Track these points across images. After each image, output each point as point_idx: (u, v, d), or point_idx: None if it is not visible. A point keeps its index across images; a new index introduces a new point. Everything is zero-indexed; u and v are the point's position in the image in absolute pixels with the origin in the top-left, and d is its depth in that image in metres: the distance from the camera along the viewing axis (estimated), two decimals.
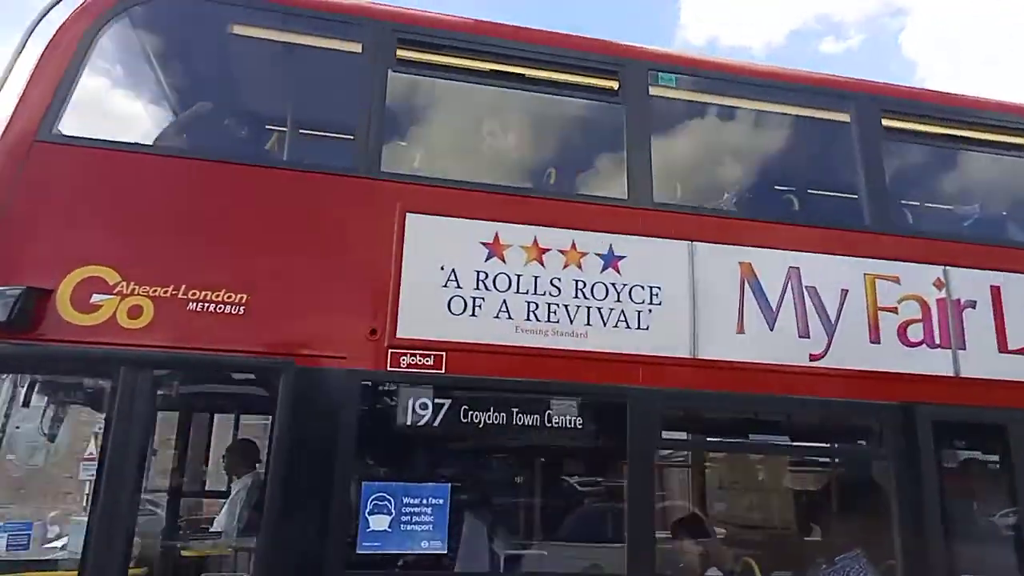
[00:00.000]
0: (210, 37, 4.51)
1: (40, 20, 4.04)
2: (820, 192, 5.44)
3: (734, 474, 5.56)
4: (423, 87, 4.53)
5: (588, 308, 4.07)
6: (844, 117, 4.89)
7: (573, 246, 4.14)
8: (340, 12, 4.32)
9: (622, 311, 4.11)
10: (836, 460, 5.38)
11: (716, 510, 5.18)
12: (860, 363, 4.35)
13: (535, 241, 4.09)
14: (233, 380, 3.99)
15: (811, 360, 4.29)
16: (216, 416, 5.78)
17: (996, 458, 4.69)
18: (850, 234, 4.63)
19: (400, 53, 4.23)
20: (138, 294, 3.59)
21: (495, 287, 3.98)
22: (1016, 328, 4.61)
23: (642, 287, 4.16)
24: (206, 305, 3.64)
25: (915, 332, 4.49)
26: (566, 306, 4.05)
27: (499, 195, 4.24)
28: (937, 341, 4.51)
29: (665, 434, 4.11)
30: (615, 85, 4.52)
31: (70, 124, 3.81)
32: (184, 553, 4.84)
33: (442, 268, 3.93)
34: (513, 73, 4.44)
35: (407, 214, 3.96)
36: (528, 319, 3.98)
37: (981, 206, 5.42)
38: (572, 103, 4.68)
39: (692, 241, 4.29)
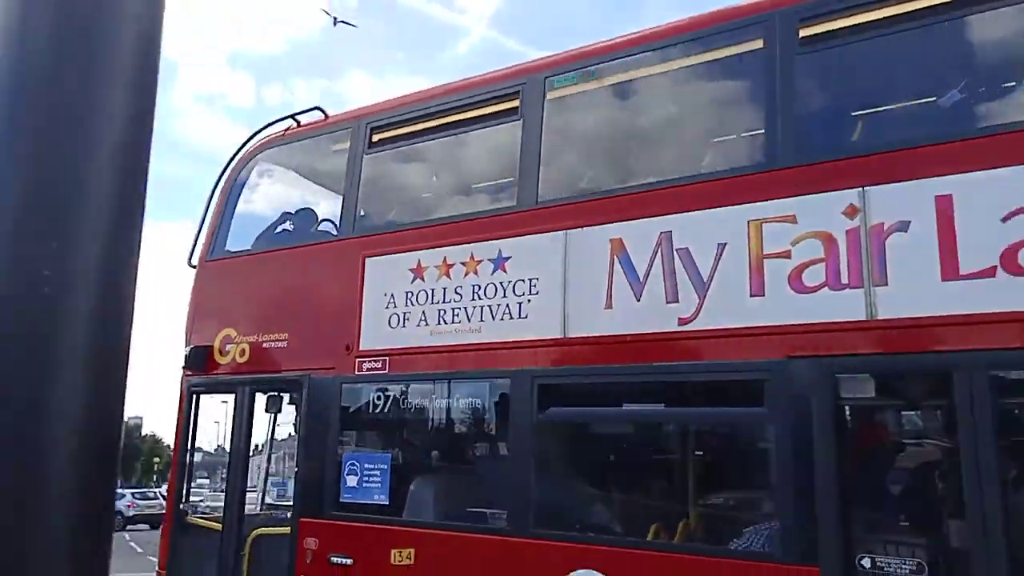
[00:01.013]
0: (310, 159, 6.72)
1: (222, 173, 6.79)
2: (715, 140, 4.72)
3: (625, 445, 4.99)
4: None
5: (482, 307, 4.88)
6: (757, 44, 4.37)
7: (471, 257, 4.99)
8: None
9: (507, 305, 4.78)
10: (719, 425, 4.55)
11: (605, 480, 4.98)
12: (738, 320, 4.02)
13: (444, 259, 5.09)
14: (284, 388, 6.03)
15: (680, 324, 4.17)
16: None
17: (916, 413, 3.58)
18: (736, 180, 4.21)
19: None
20: (243, 342, 5.96)
21: (417, 302, 5.14)
22: (972, 246, 3.51)
23: (523, 281, 4.75)
24: (271, 343, 5.81)
25: (813, 275, 3.87)
26: (465, 308, 4.94)
27: (418, 229, 5.35)
28: (844, 281, 3.78)
29: (553, 409, 4.58)
30: (515, 104, 5.11)
31: (229, 242, 6.45)
32: None
33: (384, 294, 5.30)
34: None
35: (366, 259, 5.45)
36: (439, 323, 5.02)
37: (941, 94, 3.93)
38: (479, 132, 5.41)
39: (567, 230, 4.65)
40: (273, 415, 6.37)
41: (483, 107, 5.28)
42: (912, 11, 3.88)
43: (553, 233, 4.69)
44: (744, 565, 3.77)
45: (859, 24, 4.03)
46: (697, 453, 4.77)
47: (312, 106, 6.31)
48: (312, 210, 6.31)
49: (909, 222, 3.68)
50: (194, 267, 6.46)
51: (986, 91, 4.02)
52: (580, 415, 4.74)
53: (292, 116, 6.34)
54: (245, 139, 6.61)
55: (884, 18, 3.91)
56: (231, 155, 6.59)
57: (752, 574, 3.71)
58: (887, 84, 4.28)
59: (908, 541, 3.53)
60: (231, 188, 6.50)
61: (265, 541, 5.55)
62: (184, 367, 6.21)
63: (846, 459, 3.66)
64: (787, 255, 3.96)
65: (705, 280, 4.15)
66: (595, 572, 4.10)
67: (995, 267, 3.46)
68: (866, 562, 3.48)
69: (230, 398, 6.07)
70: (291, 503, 5.59)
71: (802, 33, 4.19)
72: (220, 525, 5.80)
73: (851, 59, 4.23)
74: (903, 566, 3.39)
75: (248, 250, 6.32)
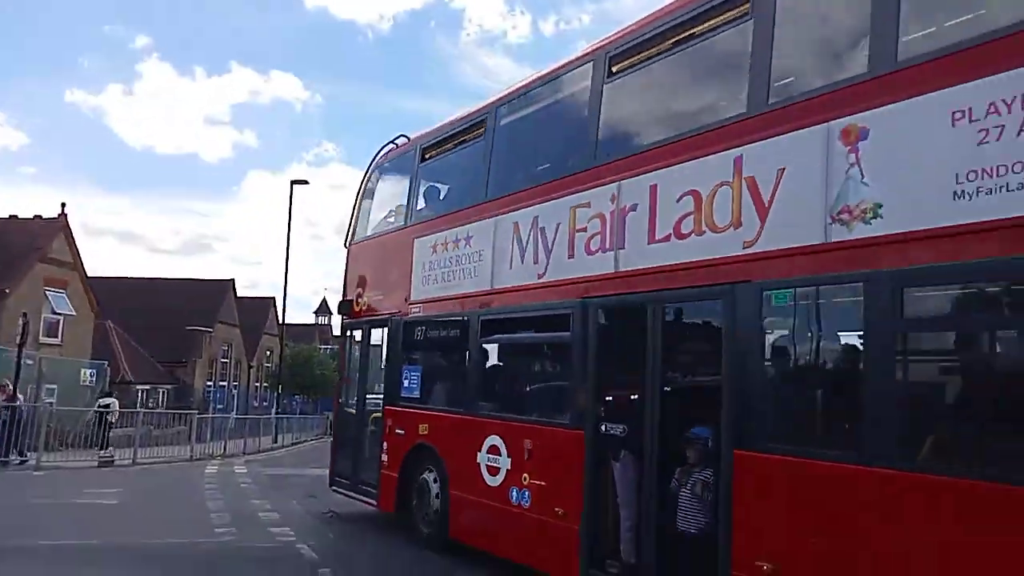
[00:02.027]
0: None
1: (368, 172, 10.00)
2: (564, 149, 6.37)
3: (518, 357, 7.26)
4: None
5: (462, 270, 7.42)
6: (585, 81, 6.20)
7: (454, 240, 7.54)
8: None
9: (472, 269, 7.25)
10: (550, 343, 6.52)
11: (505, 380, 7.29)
12: (562, 275, 6.08)
13: (444, 240, 7.70)
14: (382, 325, 8.95)
15: (538, 278, 6.33)
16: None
17: (636, 331, 5.24)
18: (563, 180, 6.18)
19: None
20: (365, 296, 9.24)
21: (436, 267, 7.84)
22: (663, 220, 5.19)
23: (478, 253, 7.19)
24: (376, 297, 9.00)
25: (595, 243, 5.78)
26: (453, 271, 7.53)
27: (433, 220, 7.99)
28: (607, 246, 5.65)
29: (484, 336, 6.99)
30: None
31: (368, 225, 9.72)
32: None
33: (422, 263, 8.09)
34: None
35: (415, 240, 8.28)
36: (447, 281, 7.65)
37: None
38: None
39: (494, 217, 6.96)
40: (380, 344, 9.46)
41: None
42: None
43: (485, 220, 7.05)
44: (553, 429, 5.94)
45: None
46: (545, 362, 6.80)
47: (399, 134, 9.30)
48: (402, 205, 9.26)
49: (637, 204, 5.43)
50: (347, 248, 9.92)
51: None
52: (493, 339, 7.06)
53: (393, 140, 9.38)
54: (372, 157, 9.81)
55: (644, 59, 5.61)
56: (366, 168, 9.86)
57: (558, 434, 5.87)
58: (646, 117, 5.86)
59: (621, 417, 5.37)
60: (363, 192, 9.78)
61: (375, 420, 8.83)
62: (339, 312, 9.78)
63: (602, 362, 5.60)
64: (584, 230, 5.90)
65: (550, 248, 6.24)
66: (499, 436, 6.56)
67: (669, 235, 5.12)
68: (602, 428, 5.45)
69: (358, 333, 9.46)
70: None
71: (612, 67, 5.96)
72: (355, 411, 9.27)
73: (615, 95, 5.90)
74: (615, 428, 5.33)
75: (367, 237, 9.55)
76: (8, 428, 13.31)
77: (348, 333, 9.80)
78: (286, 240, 27.01)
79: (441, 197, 8.50)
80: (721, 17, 5.02)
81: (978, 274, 3.55)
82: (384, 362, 8.67)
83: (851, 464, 3.84)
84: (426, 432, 7.68)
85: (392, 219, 9.24)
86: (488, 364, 7.20)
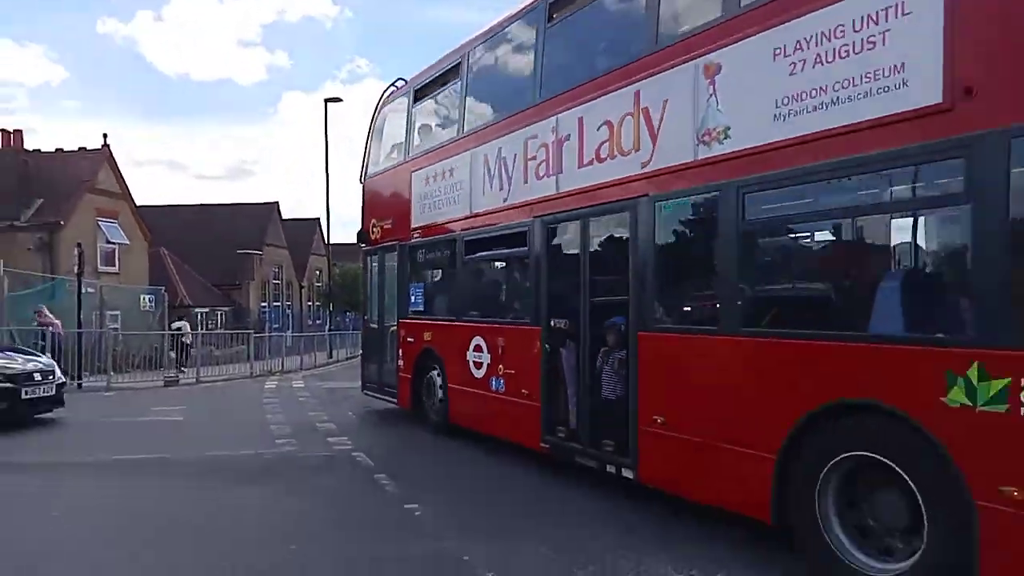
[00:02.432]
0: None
1: (375, 113, 11.10)
2: (518, 88, 7.23)
3: (489, 272, 8.50)
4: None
5: (449, 198, 8.54)
6: (533, 26, 7.07)
7: (448, 171, 8.62)
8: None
9: (456, 196, 8.36)
10: (512, 258, 7.64)
11: (482, 292, 8.57)
12: (520, 198, 7.14)
13: (436, 174, 8.80)
14: (392, 250, 10.19)
15: (503, 202, 7.41)
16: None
17: (573, 244, 6.34)
18: (517, 116, 7.15)
19: None
20: (378, 225, 10.49)
21: (430, 197, 8.98)
22: (588, 147, 6.17)
23: (459, 183, 8.27)
24: (387, 225, 10.23)
25: (542, 169, 6.80)
26: (443, 200, 8.66)
27: (425, 155, 9.06)
28: (550, 172, 6.67)
29: (467, 255, 8.15)
30: None
31: (377, 161, 10.89)
32: None
33: (419, 194, 9.23)
34: None
35: (412, 174, 9.40)
36: (438, 208, 8.79)
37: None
38: None
39: (469, 151, 8.01)
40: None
41: None
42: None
43: (465, 153, 8.10)
44: (519, 328, 7.14)
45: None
46: (512, 272, 7.89)
47: (398, 77, 10.29)
48: (402, 143, 10.33)
49: (570, 134, 6.40)
50: (361, 183, 11.12)
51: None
52: (473, 259, 8.19)
53: (393, 83, 10.40)
54: (378, 99, 10.85)
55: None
56: (373, 109, 10.92)
57: (522, 332, 7.06)
58: (575, 59, 6.72)
59: (564, 315, 6.50)
60: (371, 132, 10.88)
61: (392, 332, 10.20)
62: (358, 242, 11.08)
63: (552, 273, 6.71)
64: (534, 158, 6.92)
65: (510, 175, 7.29)
66: (481, 337, 7.81)
67: (592, 160, 6.12)
68: (551, 323, 6.62)
69: (374, 259, 10.75)
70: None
71: (552, 14, 6.82)
72: (376, 326, 10.68)
73: (553, 39, 6.76)
74: (560, 323, 6.50)
75: (377, 172, 10.70)
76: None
77: (367, 259, 11.14)
78: (324, 160, 27.79)
79: (432, 134, 9.52)
80: None
81: (793, 179, 4.48)
82: (396, 282, 9.96)
83: (713, 335, 4.93)
84: (430, 338, 9.01)
85: (395, 155, 10.34)
86: (471, 277, 8.42)
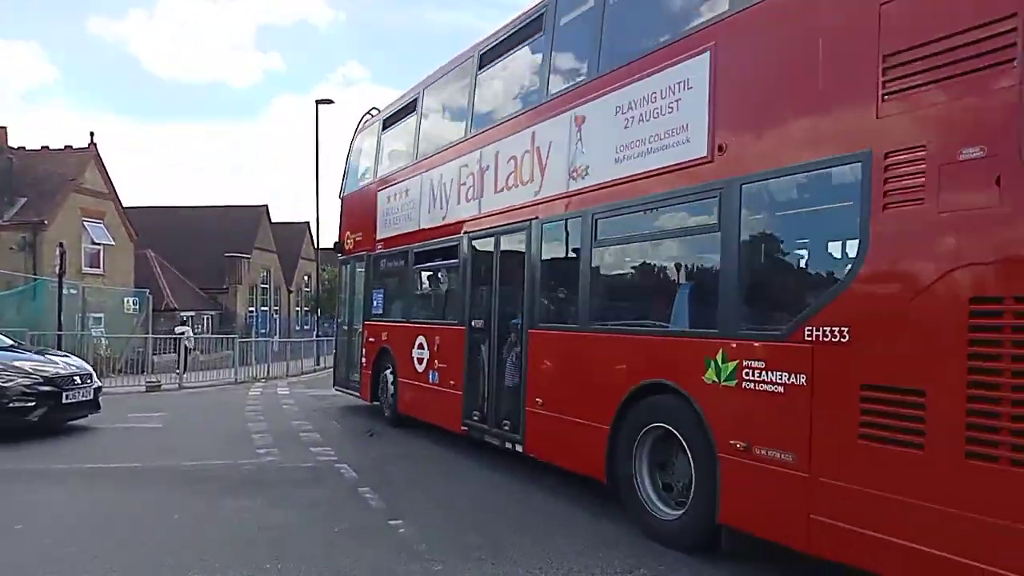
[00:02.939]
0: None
1: (352, 136, 12.47)
2: (456, 123, 8.54)
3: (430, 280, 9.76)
4: None
5: (404, 215, 9.83)
6: (468, 72, 8.37)
7: (404, 191, 9.92)
8: None
9: (409, 214, 9.65)
10: (449, 268, 8.52)
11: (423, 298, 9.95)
12: (454, 217, 8.45)
13: (396, 193, 10.11)
14: (361, 260, 11.50)
15: (442, 220, 8.69)
16: None
17: (484, 257, 7.62)
18: (454, 148, 8.47)
19: None
20: (351, 238, 11.80)
21: (391, 213, 10.29)
22: (501, 176, 7.43)
23: (412, 202, 9.56)
24: (358, 238, 11.54)
25: (470, 193, 8.08)
26: (400, 216, 9.95)
27: (386, 179, 10.38)
28: (474, 196, 7.94)
29: (416, 264, 9.43)
30: None
31: (353, 180, 12.23)
32: None
33: (382, 211, 10.53)
34: None
35: (377, 194, 10.70)
36: (396, 224, 10.09)
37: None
38: None
39: (419, 176, 9.31)
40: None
41: None
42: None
43: (419, 177, 9.40)
44: (450, 328, 8.38)
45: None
46: (448, 280, 9.07)
47: (372, 107, 11.67)
48: (371, 166, 11.63)
49: (489, 165, 7.66)
50: (340, 199, 12.45)
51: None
52: (420, 268, 9.47)
53: (368, 112, 11.75)
54: (356, 125, 12.19)
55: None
56: (352, 134, 12.27)
57: (451, 331, 8.29)
58: (496, 102, 8.03)
59: (481, 317, 7.72)
60: (349, 154, 12.24)
61: (359, 332, 11.45)
62: (336, 251, 12.43)
63: (474, 281, 7.95)
64: (464, 183, 8.19)
65: (448, 198, 8.57)
66: (423, 336, 9.05)
67: (503, 187, 7.37)
68: (472, 324, 7.85)
69: (348, 267, 12.06)
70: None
71: (482, 63, 8.11)
72: (347, 327, 11.98)
73: (485, 86, 8.06)
74: (478, 323, 7.73)
75: (352, 191, 12.04)
76: None
77: (342, 268, 12.54)
78: (315, 163, 26.46)
79: (395, 158, 10.82)
80: (528, 38, 7.25)
81: (623, 209, 5.70)
82: (363, 289, 11.26)
83: (571, 331, 6.16)
84: (386, 338, 10.29)
85: (367, 176, 11.65)
86: (418, 285, 9.74)
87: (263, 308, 39.11)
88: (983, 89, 3.42)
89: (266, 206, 40.20)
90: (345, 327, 12.28)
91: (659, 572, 4.37)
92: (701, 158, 4.90)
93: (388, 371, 10.15)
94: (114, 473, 7.07)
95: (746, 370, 4.44)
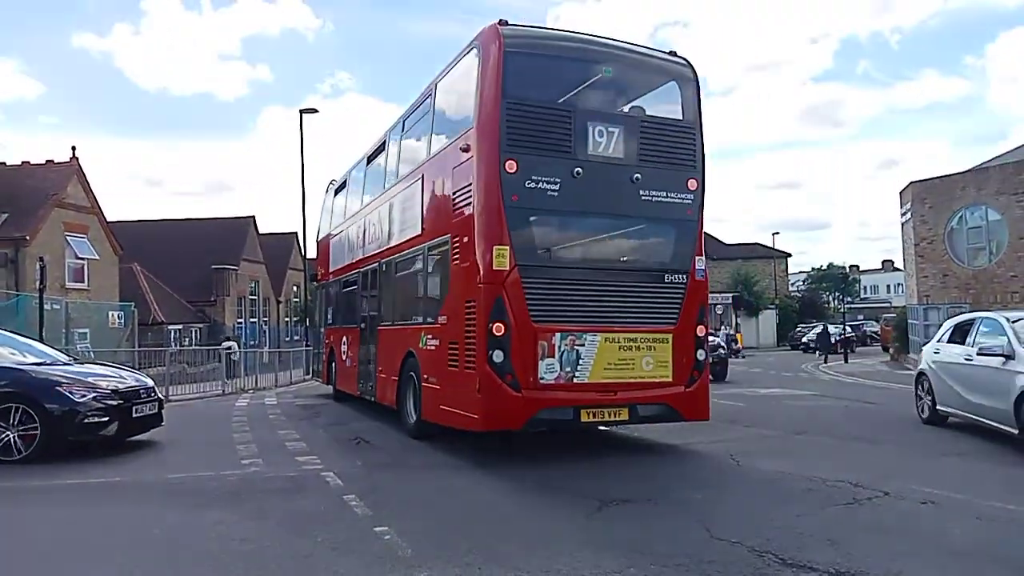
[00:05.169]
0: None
1: (324, 198, 15.73)
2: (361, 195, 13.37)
3: (356, 296, 13.12)
4: None
5: (342, 255, 14.57)
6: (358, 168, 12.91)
7: (341, 240, 14.59)
8: None
9: (345, 254, 14.40)
10: (365, 293, 12.32)
11: (354, 308, 12.92)
12: (360, 255, 12.94)
13: (341, 239, 15.00)
14: (326, 288, 16.51)
15: (359, 258, 13.30)
16: None
17: (368, 281, 12.55)
18: (357, 213, 13.18)
19: None
20: (319, 270, 16.74)
21: (337, 254, 15.13)
22: (369, 235, 11.99)
23: (345, 246, 14.33)
24: (322, 271, 16.57)
25: (367, 242, 12.55)
26: (340, 255, 14.69)
27: (337, 227, 15.48)
28: (361, 246, 12.49)
29: (344, 288, 13.89)
30: None
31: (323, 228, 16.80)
32: None
33: (330, 253, 15.26)
34: None
35: (329, 241, 15.65)
36: (338, 261, 14.86)
37: None
38: None
39: (347, 229, 14.23)
40: (336, 299, 16.36)
41: None
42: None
43: (347, 230, 14.37)
44: (354, 328, 12.86)
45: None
46: (357, 297, 13.00)
47: (333, 178, 16.36)
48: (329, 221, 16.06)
49: (367, 228, 12.24)
50: (317, 241, 17.40)
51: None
52: (347, 289, 13.97)
53: (332, 180, 16.29)
54: (326, 188, 16.73)
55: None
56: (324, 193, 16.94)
57: (354, 330, 12.84)
58: (381, 178, 12.87)
59: (365, 320, 12.20)
60: (322, 207, 17.05)
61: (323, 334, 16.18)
62: (311, 281, 18.81)
63: (364, 296, 12.48)
64: (359, 238, 12.73)
65: (362, 242, 13.11)
66: (345, 335, 13.60)
67: (368, 243, 12.00)
68: (361, 325, 12.40)
69: (321, 292, 17.05)
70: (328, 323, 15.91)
71: (369, 161, 12.69)
72: (319, 334, 17.14)
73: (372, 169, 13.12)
74: (363, 324, 12.48)
75: (322, 237, 16.72)
76: None
77: (317, 292, 17.85)
78: (300, 172, 26.59)
79: (343, 215, 15.12)
80: (380, 151, 11.96)
81: (400, 258, 9.92)
82: (327, 306, 15.98)
83: (384, 327, 10.71)
84: (332, 339, 14.98)
85: (329, 227, 16.23)
86: (345, 301, 14.15)
87: (252, 319, 39.19)
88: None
89: (253, 217, 40.41)
90: (320, 333, 17.43)
91: (649, 571, 4.24)
92: (420, 235, 9.40)
93: (332, 361, 14.80)
94: (93, 487, 6.86)
95: (427, 339, 8.83)
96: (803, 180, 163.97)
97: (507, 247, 7.26)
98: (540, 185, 7.42)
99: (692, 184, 8.04)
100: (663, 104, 8.46)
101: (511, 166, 7.28)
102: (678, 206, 7.97)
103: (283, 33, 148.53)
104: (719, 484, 6.66)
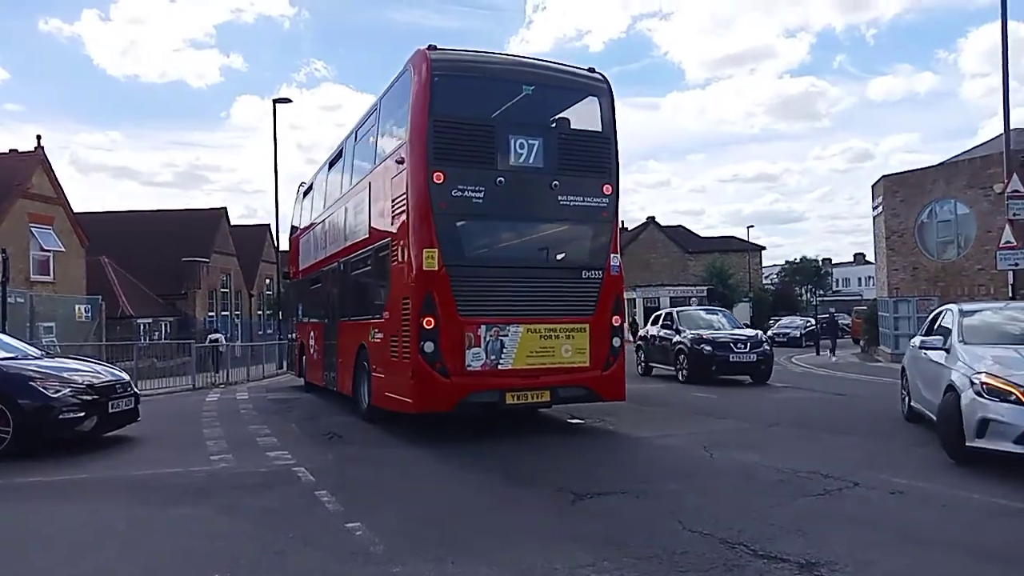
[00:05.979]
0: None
1: (295, 198, 15.89)
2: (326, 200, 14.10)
3: (323, 292, 13.09)
4: None
5: (308, 253, 15.38)
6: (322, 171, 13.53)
7: (308, 240, 14.89)
8: None
9: (311, 253, 15.22)
10: (322, 285, 13.17)
11: (323, 302, 12.61)
12: (324, 255, 13.88)
13: (308, 239, 15.73)
14: (298, 285, 17.30)
15: (321, 258, 14.14)
16: None
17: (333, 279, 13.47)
18: (320, 215, 14.06)
19: None
20: (291, 269, 17.54)
21: (304, 252, 15.96)
22: (330, 235, 12.91)
23: (311, 245, 15.21)
24: (294, 269, 17.34)
25: (328, 242, 13.46)
26: (307, 254, 15.55)
27: (305, 228, 16.32)
28: (323, 246, 13.41)
29: (314, 284, 14.79)
30: None
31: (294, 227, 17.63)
32: None
33: (302, 252, 16.08)
34: None
35: (299, 240, 16.36)
36: (306, 260, 15.70)
37: None
38: None
39: (313, 230, 15.06)
40: (304, 295, 17.19)
41: None
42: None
43: (313, 231, 15.20)
44: (320, 322, 13.89)
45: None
46: (324, 293, 13.75)
47: (303, 181, 17.60)
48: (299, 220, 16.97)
49: (329, 229, 13.16)
50: (289, 239, 18.15)
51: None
52: (314, 287, 14.83)
53: (301, 183, 17.22)
54: (297, 189, 17.72)
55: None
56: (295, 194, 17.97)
57: (320, 324, 13.79)
58: (343, 180, 13.59)
59: (329, 315, 13.09)
60: (293, 207, 18.05)
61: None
62: (284, 278, 19.25)
63: (331, 292, 13.32)
64: (321, 238, 13.69)
65: (318, 247, 14.10)
66: (312, 329, 14.55)
67: (331, 243, 12.88)
68: (325, 320, 13.34)
69: (293, 288, 18.17)
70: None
71: (330, 167, 13.65)
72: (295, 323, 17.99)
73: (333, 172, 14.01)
74: (325, 319, 13.31)
75: (293, 235, 17.61)
76: None
77: (289, 288, 18.80)
78: (274, 164, 25.97)
79: (304, 217, 16.21)
80: (339, 158, 12.88)
81: (354, 257, 10.81)
82: (301, 302, 16.61)
83: (344, 320, 11.60)
84: (302, 332, 15.77)
85: (299, 225, 16.98)
86: (312, 297, 14.87)
87: (224, 312, 38.52)
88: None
89: (225, 209, 39.98)
90: (292, 329, 18.40)
91: (623, 564, 4.25)
92: (367, 238, 10.38)
93: (304, 355, 15.53)
94: (58, 485, 6.66)
95: (375, 333, 9.69)
96: (778, 173, 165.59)
97: (435, 249, 8.18)
98: (466, 193, 8.34)
99: (607, 189, 8.95)
100: (582, 117, 9.29)
101: (439, 177, 8.19)
102: (594, 209, 8.89)
103: (258, 20, 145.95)
104: (692, 476, 6.58)
